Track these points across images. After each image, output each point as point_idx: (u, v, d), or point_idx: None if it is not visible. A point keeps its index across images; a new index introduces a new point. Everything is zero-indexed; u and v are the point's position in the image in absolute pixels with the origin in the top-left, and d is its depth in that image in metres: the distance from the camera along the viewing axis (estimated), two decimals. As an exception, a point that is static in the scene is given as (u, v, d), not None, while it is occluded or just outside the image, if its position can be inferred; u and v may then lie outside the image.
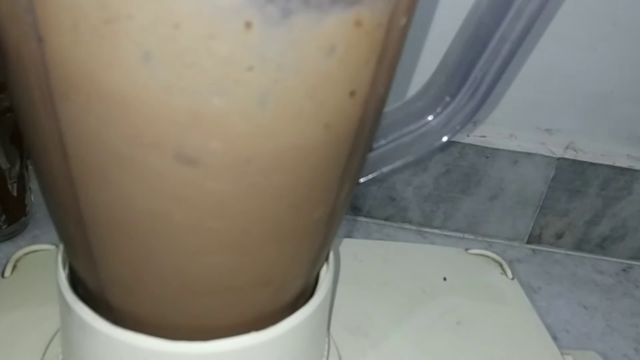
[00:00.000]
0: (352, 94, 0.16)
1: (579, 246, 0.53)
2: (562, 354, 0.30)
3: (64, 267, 0.23)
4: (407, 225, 0.52)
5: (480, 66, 0.21)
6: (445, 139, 0.22)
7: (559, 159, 0.49)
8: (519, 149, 0.49)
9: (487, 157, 0.49)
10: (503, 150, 0.49)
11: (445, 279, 0.33)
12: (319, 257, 0.22)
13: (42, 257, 0.31)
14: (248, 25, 0.13)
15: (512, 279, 0.34)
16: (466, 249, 0.36)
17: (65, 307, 0.22)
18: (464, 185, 0.50)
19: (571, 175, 0.49)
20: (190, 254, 0.18)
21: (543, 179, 0.50)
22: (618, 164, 0.49)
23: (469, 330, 0.31)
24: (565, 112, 0.49)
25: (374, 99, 0.17)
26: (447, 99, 0.21)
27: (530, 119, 0.49)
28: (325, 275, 0.24)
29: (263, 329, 0.21)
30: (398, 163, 0.23)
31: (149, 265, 0.19)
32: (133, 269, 0.19)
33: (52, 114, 0.16)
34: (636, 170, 0.49)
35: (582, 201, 0.51)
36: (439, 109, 0.22)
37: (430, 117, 0.22)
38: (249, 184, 0.17)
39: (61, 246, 0.23)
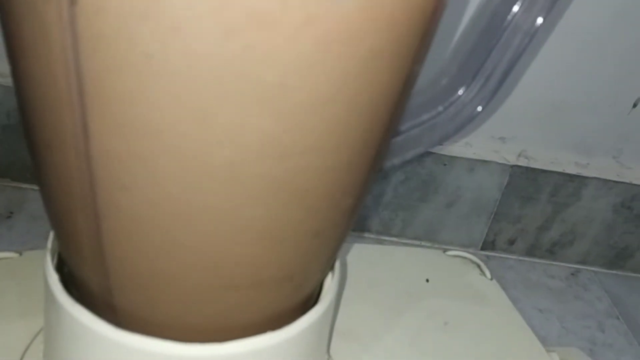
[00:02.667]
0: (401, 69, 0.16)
1: (530, 252, 0.55)
2: (547, 351, 0.31)
3: (56, 270, 0.21)
4: (366, 234, 0.52)
5: (492, 58, 0.21)
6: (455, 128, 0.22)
7: (512, 166, 0.50)
8: (474, 157, 0.50)
9: (445, 165, 0.50)
10: (460, 158, 0.50)
11: (427, 280, 0.33)
12: (336, 251, 0.21)
13: (5, 265, 0.29)
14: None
15: (491, 279, 0.34)
16: (444, 251, 0.36)
17: (58, 312, 0.20)
18: (422, 192, 0.51)
19: (524, 182, 0.51)
20: (219, 245, 0.17)
21: (497, 186, 0.51)
22: (567, 171, 0.51)
23: (457, 331, 0.31)
24: (518, 121, 0.51)
25: (412, 77, 0.17)
26: (460, 90, 0.21)
27: (485, 127, 0.51)
28: (335, 274, 0.23)
29: (276, 329, 0.20)
30: (412, 153, 0.23)
31: (172, 260, 0.17)
32: (152, 266, 0.18)
33: (77, 99, 0.15)
34: (584, 177, 0.51)
35: (533, 207, 0.52)
36: (451, 99, 0.22)
37: (440, 108, 0.22)
38: (291, 167, 0.16)
39: (50, 248, 0.21)
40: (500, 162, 0.51)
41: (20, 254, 0.30)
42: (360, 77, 0.15)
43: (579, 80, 0.49)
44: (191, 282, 0.18)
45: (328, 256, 0.20)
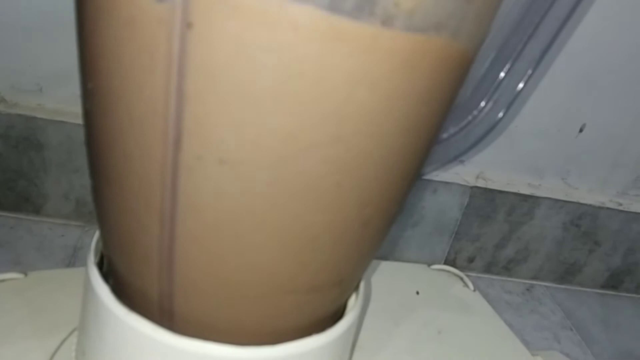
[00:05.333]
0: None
1: (488, 269, 0.58)
2: (531, 354, 0.34)
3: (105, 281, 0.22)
4: (335, 254, 0.54)
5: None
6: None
7: (472, 187, 0.54)
8: (437, 179, 0.54)
9: (411, 186, 0.53)
10: (425, 179, 0.53)
11: (418, 292, 0.36)
12: (373, 258, 0.23)
13: (12, 286, 0.29)
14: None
15: (474, 290, 0.37)
16: (429, 265, 0.38)
17: (110, 323, 0.21)
18: (389, 213, 0.54)
19: (482, 202, 0.55)
20: (286, 250, 0.19)
21: (458, 206, 0.55)
22: (522, 192, 0.55)
23: (450, 339, 0.33)
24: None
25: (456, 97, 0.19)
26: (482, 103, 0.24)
27: (446, 150, 0.54)
28: (362, 283, 0.25)
29: (319, 332, 0.22)
30: (450, 158, 0.25)
31: (239, 265, 0.19)
32: (219, 270, 0.19)
33: (175, 98, 0.16)
34: (537, 197, 0.55)
35: (491, 226, 0.56)
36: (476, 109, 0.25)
37: (469, 117, 0.25)
38: (356, 178, 0.18)
39: (94, 261, 0.22)
40: (462, 183, 0.54)
41: (26, 274, 0.30)
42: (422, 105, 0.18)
43: (529, 106, 0.53)
44: (254, 286, 0.19)
45: (368, 262, 0.22)
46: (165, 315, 0.20)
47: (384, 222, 0.21)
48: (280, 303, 0.20)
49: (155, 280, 0.20)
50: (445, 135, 0.25)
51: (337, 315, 0.24)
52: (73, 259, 0.46)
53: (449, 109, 0.20)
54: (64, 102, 0.46)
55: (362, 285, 0.25)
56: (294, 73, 0.15)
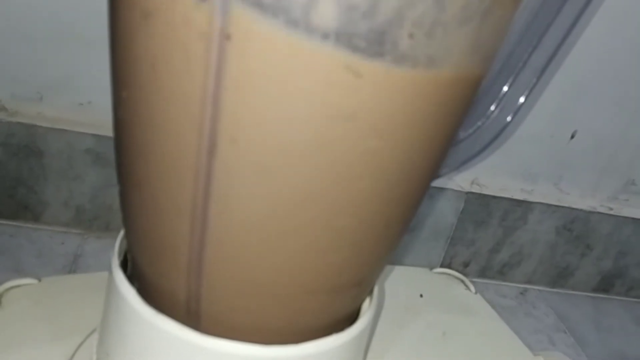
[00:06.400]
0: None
1: (482, 273, 0.60)
2: (533, 355, 0.35)
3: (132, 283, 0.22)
4: (333, 260, 0.55)
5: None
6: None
7: (467, 193, 0.55)
8: (433, 184, 0.55)
9: (407, 192, 0.54)
10: (421, 185, 0.54)
11: (421, 295, 0.37)
12: (390, 259, 0.24)
13: (26, 292, 0.29)
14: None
15: (476, 293, 0.38)
16: (430, 268, 0.39)
17: (137, 324, 0.22)
18: (386, 218, 0.55)
19: (477, 207, 0.56)
20: (311, 252, 0.20)
21: (454, 211, 0.56)
22: (515, 197, 0.57)
23: (454, 340, 0.34)
24: (470, 151, 0.56)
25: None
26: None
27: (442, 156, 0.55)
28: (376, 286, 0.26)
29: (338, 331, 0.23)
30: (464, 160, 0.26)
31: (266, 267, 0.20)
32: (247, 272, 0.20)
33: (209, 124, 0.17)
34: (530, 202, 0.57)
35: (485, 231, 0.58)
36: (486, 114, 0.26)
37: (479, 122, 0.26)
38: (387, 181, 0.19)
39: (118, 264, 0.23)
40: (456, 189, 0.55)
41: (39, 280, 0.30)
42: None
43: (522, 113, 0.55)
44: (280, 287, 0.20)
45: (386, 263, 0.23)
46: (192, 316, 0.21)
47: (403, 224, 0.22)
48: (305, 303, 0.21)
49: (184, 282, 0.21)
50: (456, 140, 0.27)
51: (352, 317, 0.25)
52: (73, 267, 0.47)
53: (462, 121, 0.21)
54: (64, 110, 0.47)
55: (375, 289, 0.26)
56: (324, 101, 0.16)
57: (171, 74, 0.17)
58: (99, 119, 0.47)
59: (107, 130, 0.47)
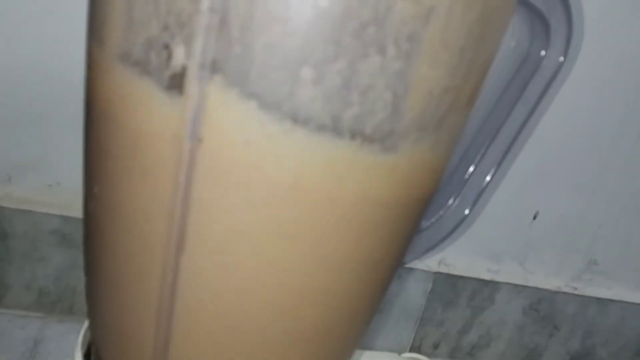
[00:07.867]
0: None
1: (452, 354, 0.60)
2: None
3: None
4: (302, 342, 0.55)
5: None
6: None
7: (435, 273, 0.56)
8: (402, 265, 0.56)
9: (375, 273, 0.55)
10: (389, 265, 0.55)
11: (390, 381, 0.37)
12: (357, 347, 0.24)
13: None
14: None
15: (444, 377, 0.39)
16: (399, 353, 0.40)
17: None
18: (355, 299, 0.55)
19: (445, 288, 0.57)
20: (283, 344, 0.20)
21: (422, 292, 0.57)
22: (482, 277, 0.58)
23: None
24: (437, 231, 0.57)
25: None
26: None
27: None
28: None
29: None
30: (428, 248, 0.27)
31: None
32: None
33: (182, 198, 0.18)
34: (497, 282, 0.58)
35: (454, 311, 0.58)
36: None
37: (441, 212, 0.27)
38: (351, 274, 0.20)
39: (79, 352, 0.23)
40: (425, 269, 0.56)
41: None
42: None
43: (485, 194, 0.57)
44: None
45: (354, 350, 0.24)
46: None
47: (371, 311, 0.22)
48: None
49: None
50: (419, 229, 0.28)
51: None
52: (33, 352, 0.46)
53: (425, 208, 0.22)
54: (32, 192, 0.47)
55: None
56: (295, 187, 0.17)
57: (142, 173, 0.18)
58: (67, 199, 0.47)
59: (75, 211, 0.47)
